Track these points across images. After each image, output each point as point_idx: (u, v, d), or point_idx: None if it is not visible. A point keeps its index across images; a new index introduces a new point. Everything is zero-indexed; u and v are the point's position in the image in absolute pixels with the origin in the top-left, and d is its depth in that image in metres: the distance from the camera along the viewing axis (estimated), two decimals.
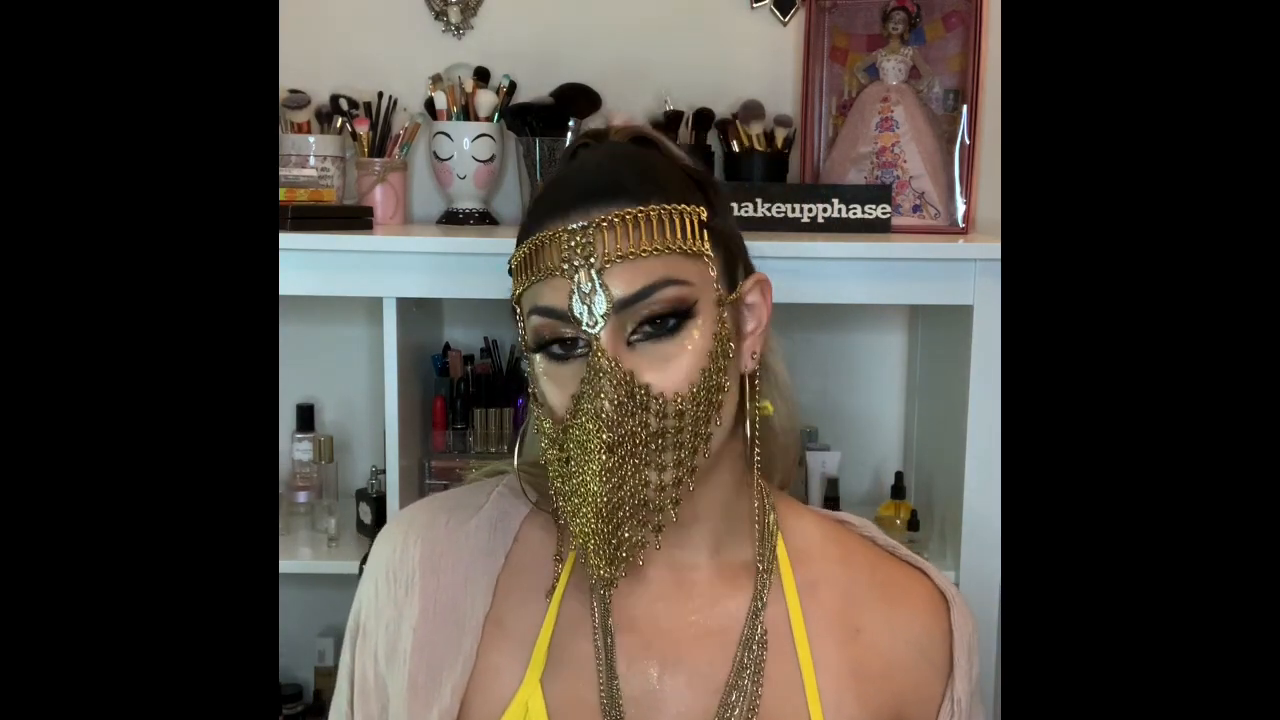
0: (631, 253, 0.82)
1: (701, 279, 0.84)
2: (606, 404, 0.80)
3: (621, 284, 0.82)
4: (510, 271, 0.88)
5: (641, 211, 0.83)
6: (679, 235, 0.83)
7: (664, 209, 0.83)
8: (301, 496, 1.73)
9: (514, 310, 0.89)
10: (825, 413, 1.81)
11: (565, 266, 0.82)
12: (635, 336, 0.83)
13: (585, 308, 0.81)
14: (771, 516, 0.94)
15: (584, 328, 0.82)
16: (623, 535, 0.83)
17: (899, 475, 1.75)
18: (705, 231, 0.85)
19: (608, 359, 0.81)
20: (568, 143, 1.71)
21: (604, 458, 0.81)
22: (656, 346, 0.83)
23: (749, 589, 0.92)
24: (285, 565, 1.55)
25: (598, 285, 0.81)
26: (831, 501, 1.67)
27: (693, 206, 0.85)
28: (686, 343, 0.83)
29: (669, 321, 0.83)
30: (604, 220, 0.82)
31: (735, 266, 0.89)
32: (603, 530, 0.82)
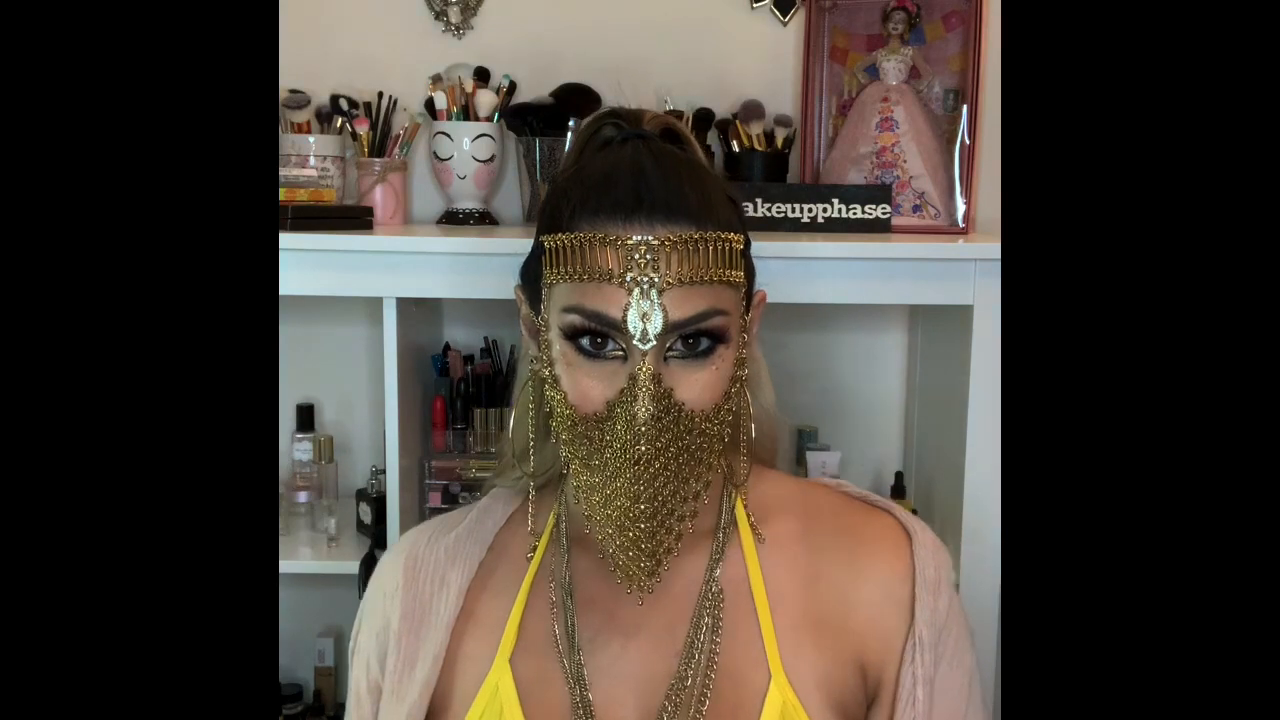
0: (691, 279, 0.84)
1: (735, 307, 0.88)
2: (644, 412, 0.83)
3: (678, 308, 0.84)
4: (542, 250, 0.88)
5: (701, 238, 0.85)
6: (727, 265, 0.86)
7: (720, 237, 0.86)
8: (301, 496, 1.73)
9: (529, 285, 0.91)
10: (825, 413, 1.81)
11: (628, 280, 0.84)
12: (671, 354, 0.86)
13: (642, 326, 0.83)
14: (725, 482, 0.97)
15: (635, 343, 0.84)
16: (656, 541, 0.86)
17: (899, 475, 1.75)
18: (742, 260, 0.89)
19: (651, 375, 0.84)
20: (568, 143, 1.72)
21: (638, 469, 0.84)
22: (688, 365, 0.86)
23: (709, 551, 0.94)
24: (285, 565, 1.55)
25: (656, 305, 0.83)
26: None
27: (737, 235, 0.88)
28: (715, 365, 0.87)
29: (702, 343, 0.86)
30: (670, 240, 0.84)
31: (751, 285, 0.92)
32: (640, 539, 0.86)
